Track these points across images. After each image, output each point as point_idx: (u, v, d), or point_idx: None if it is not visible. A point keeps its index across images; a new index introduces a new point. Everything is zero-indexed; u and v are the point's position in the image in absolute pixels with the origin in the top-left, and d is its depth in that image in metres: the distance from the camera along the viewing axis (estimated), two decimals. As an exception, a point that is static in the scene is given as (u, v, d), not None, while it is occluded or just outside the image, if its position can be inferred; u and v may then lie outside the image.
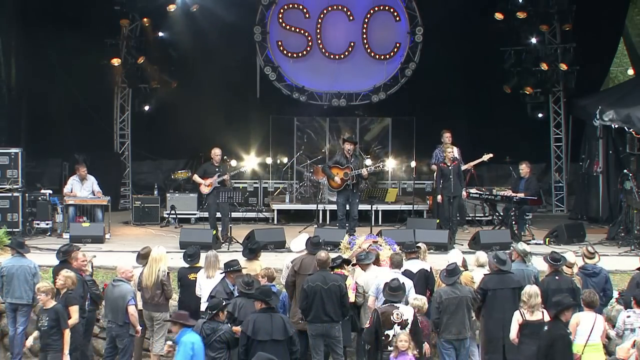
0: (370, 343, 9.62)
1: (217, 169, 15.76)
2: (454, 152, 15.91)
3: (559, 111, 20.47)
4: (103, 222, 15.78)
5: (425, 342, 9.98)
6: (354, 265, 11.41)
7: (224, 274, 10.70)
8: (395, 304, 9.62)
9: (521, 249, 11.38)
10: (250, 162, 18.86)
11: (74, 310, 10.35)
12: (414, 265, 11.13)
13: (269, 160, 19.63)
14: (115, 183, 19.33)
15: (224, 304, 9.47)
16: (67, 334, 10.07)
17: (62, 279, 10.37)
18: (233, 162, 16.97)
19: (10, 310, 11.39)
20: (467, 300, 10.38)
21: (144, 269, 11.02)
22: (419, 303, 10.09)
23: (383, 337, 9.48)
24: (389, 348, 9.46)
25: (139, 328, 10.94)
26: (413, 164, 19.44)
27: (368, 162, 17.60)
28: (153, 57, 19.26)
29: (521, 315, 9.89)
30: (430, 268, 11.20)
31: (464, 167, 15.90)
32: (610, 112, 16.28)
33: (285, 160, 19.51)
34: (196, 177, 15.98)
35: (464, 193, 15.64)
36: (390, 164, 19.51)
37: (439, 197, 15.32)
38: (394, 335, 9.47)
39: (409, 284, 10.50)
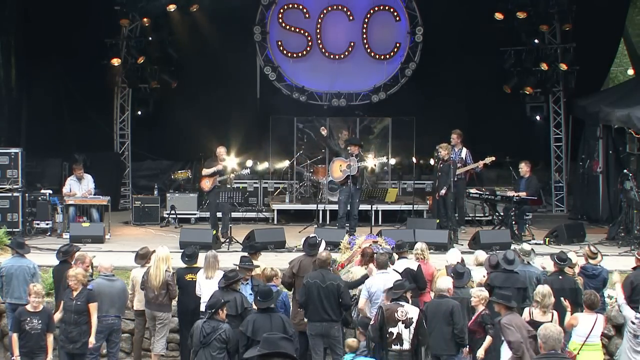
0: (374, 340, 9.62)
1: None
2: (462, 152, 16.03)
3: (559, 111, 20.45)
4: (102, 222, 15.78)
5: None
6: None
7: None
8: (400, 302, 9.62)
9: (527, 250, 11.44)
10: (250, 162, 18.86)
11: (95, 308, 10.35)
12: (400, 265, 11.08)
13: (269, 161, 19.62)
14: (115, 183, 19.35)
15: (222, 301, 9.44)
16: (52, 337, 10.06)
17: (74, 279, 10.29)
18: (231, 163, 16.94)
19: (10, 310, 11.34)
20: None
21: (151, 269, 11.01)
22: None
23: (387, 335, 9.47)
24: (393, 346, 9.46)
25: None
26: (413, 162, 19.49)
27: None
28: (153, 57, 19.27)
29: (529, 314, 9.85)
30: (419, 266, 11.11)
31: (460, 171, 15.96)
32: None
33: (285, 160, 19.49)
34: (205, 171, 15.96)
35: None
36: (391, 163, 19.52)
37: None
38: (398, 333, 9.47)
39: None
